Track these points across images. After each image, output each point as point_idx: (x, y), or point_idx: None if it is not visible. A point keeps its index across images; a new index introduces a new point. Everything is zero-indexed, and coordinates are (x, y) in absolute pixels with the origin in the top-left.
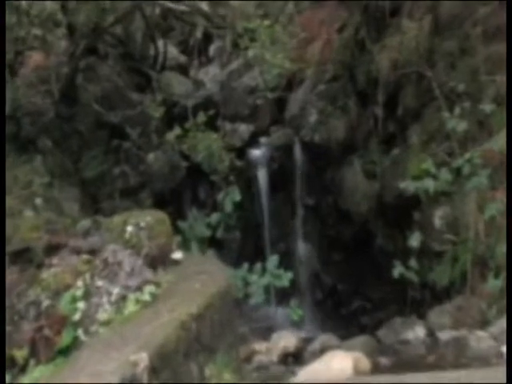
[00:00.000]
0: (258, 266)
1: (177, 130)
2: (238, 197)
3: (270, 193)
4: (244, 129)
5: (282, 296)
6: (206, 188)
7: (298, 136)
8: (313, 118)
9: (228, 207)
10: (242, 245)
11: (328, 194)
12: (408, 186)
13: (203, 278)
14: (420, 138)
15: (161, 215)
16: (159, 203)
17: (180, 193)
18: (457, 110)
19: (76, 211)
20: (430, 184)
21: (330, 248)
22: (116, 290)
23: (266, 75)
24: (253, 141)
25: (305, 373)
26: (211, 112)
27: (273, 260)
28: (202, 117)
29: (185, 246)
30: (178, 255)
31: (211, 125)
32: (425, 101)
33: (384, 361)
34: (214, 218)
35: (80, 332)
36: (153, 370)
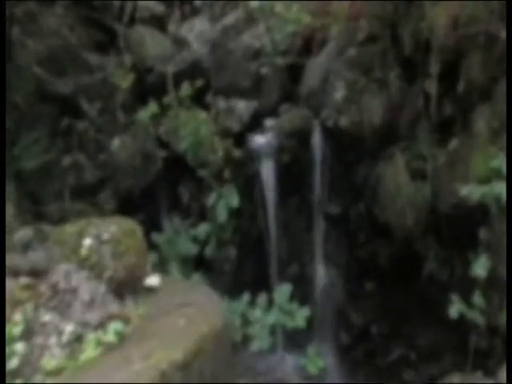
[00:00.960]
0: (263, 297)
1: (152, 107)
2: (235, 201)
3: (278, 196)
4: (244, 107)
5: (295, 339)
6: (190, 188)
7: (317, 118)
8: (339, 94)
9: (221, 215)
10: (240, 267)
11: (359, 200)
12: (471, 191)
13: (189, 313)
14: (489, 125)
15: (130, 224)
16: (126, 207)
17: (155, 194)
18: None
19: (11, 216)
20: (502, 189)
21: (362, 274)
22: (69, 328)
23: (275, 33)
24: (256, 124)
25: None
26: (199, 83)
27: (283, 290)
28: (186, 89)
29: (162, 267)
30: (153, 280)
31: (199, 100)
32: (496, 73)
33: None
34: (202, 229)
35: None
36: None
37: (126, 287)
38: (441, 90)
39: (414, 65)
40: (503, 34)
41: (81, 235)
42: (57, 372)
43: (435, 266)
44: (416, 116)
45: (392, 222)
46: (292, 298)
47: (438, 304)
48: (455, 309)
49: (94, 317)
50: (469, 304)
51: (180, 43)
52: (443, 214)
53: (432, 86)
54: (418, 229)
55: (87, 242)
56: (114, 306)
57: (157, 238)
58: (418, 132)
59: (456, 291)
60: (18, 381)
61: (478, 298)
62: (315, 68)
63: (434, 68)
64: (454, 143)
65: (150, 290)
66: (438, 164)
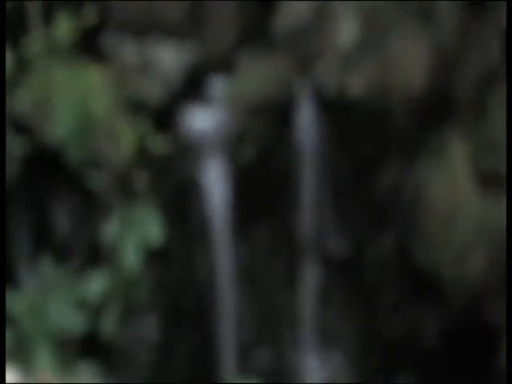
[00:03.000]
0: None
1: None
2: (155, 231)
3: (235, 223)
4: (172, 58)
5: None
6: (73, 207)
7: (307, 79)
8: (347, 32)
9: (131, 258)
10: (166, 354)
11: (383, 230)
12: None
13: None
14: None
15: None
16: None
17: (7, 218)
18: None
19: None
20: None
21: (390, 364)
22: None
23: None
24: (194, 89)
25: None
26: (89, 14)
27: None
28: (64, 26)
29: (22, 353)
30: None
31: (89, 47)
32: None
33: None
34: (96, 284)
35: None
36: None
37: None
38: None
39: None
40: None
41: None
42: None
43: None
44: (488, 72)
45: (445, 269)
46: None
47: None
48: None
49: None
50: None
51: None
52: None
53: None
54: (491, 281)
55: None
56: None
57: (10, 301)
58: (493, 101)
59: None
60: None
61: None
62: None
63: None
64: None
65: None
66: None
